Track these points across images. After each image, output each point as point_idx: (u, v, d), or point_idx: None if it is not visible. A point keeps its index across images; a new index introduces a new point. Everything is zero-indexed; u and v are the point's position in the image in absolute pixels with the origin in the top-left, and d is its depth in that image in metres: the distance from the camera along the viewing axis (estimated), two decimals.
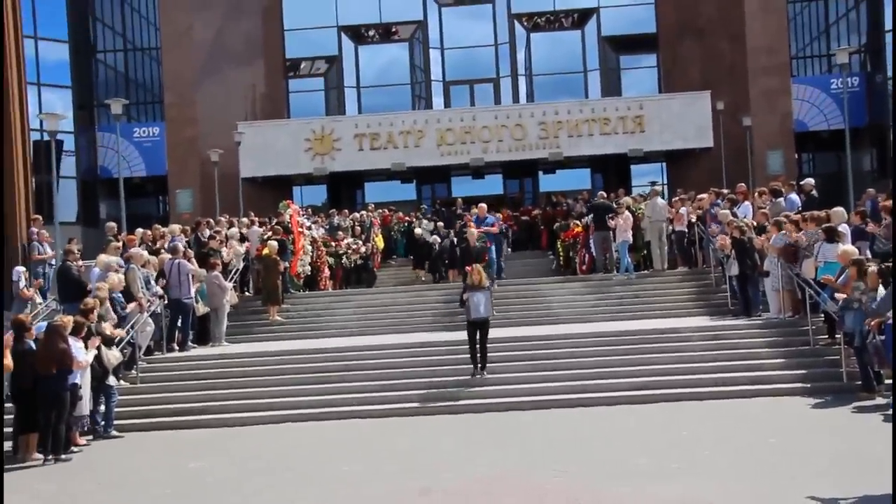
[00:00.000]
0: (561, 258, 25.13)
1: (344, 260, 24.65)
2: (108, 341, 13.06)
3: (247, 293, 20.86)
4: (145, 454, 11.71)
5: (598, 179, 36.87)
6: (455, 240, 22.50)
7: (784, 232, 15.83)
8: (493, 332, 16.22)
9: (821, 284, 14.02)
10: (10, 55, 22.31)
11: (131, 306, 14.92)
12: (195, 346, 17.35)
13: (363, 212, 29.44)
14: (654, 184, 36.59)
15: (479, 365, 14.01)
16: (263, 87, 35.72)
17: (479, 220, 21.14)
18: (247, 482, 9.65)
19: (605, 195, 22.57)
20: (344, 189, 36.59)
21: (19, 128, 22.21)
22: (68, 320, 12.11)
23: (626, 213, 20.56)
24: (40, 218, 21.68)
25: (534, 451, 10.49)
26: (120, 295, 14.83)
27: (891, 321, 10.98)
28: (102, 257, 15.78)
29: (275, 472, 10.16)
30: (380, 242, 27.56)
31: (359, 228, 27.37)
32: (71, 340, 11.81)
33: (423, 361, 15.01)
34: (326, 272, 23.37)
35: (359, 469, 9.95)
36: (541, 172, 37.02)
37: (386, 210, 30.39)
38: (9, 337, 10.75)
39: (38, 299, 17.03)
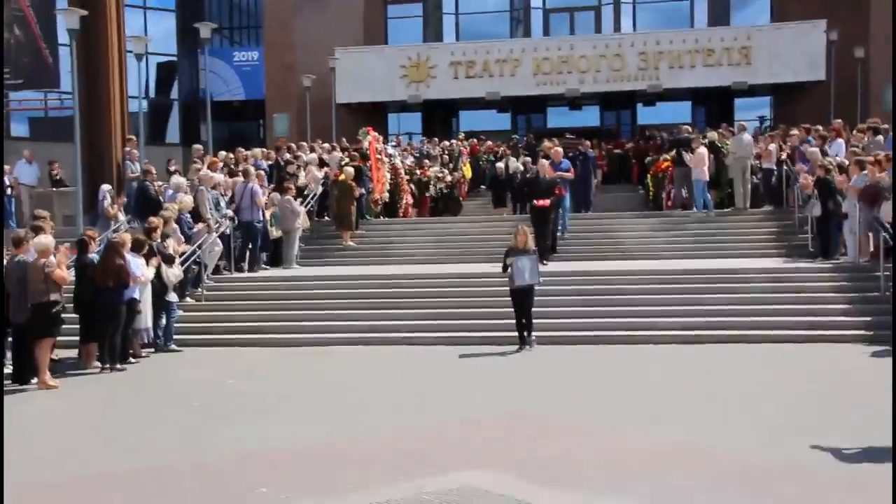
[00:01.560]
0: (651, 193, 24.69)
1: (430, 188, 24.82)
2: (170, 259, 13.56)
3: (326, 218, 21.21)
4: (194, 368, 12.23)
5: (700, 113, 35.69)
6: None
7: (865, 172, 15.09)
8: (553, 266, 16.26)
9: None
10: None
11: (199, 226, 15.40)
12: (267, 267, 17.85)
13: (453, 140, 29.44)
14: (761, 119, 35.48)
15: (526, 337, 12.61)
16: (362, 12, 35.65)
17: (555, 164, 19.19)
18: (270, 402, 9.97)
19: (689, 129, 21.89)
20: (438, 117, 36.50)
21: (116, 49, 22.85)
22: (127, 237, 12.63)
23: (701, 148, 19.85)
24: (134, 138, 22.50)
25: (555, 386, 10.49)
26: (188, 216, 15.34)
27: None
28: (175, 178, 16.29)
29: (299, 395, 10.44)
30: (467, 172, 27.57)
31: (447, 157, 27.46)
32: (130, 257, 12.33)
33: (479, 292, 15.04)
34: (409, 200, 23.55)
35: (390, 396, 10.15)
36: (639, 105, 36.02)
37: (475, 139, 30.27)
38: (65, 250, 11.28)
39: (122, 216, 17.72)
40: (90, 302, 12.07)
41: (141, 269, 12.51)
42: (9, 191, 21.78)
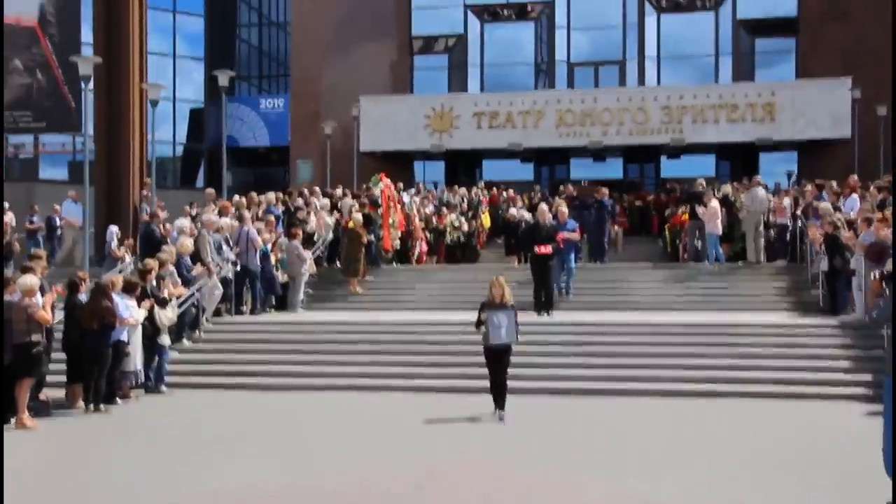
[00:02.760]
0: (668, 245, 24.50)
1: (446, 236, 24.81)
2: (163, 302, 13.59)
3: (337, 264, 21.22)
4: (177, 411, 12.18)
5: (725, 167, 35.43)
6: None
7: (872, 229, 14.81)
8: (558, 316, 16.06)
9: None
10: (132, 26, 23.39)
11: (197, 269, 15.46)
12: (271, 311, 17.86)
13: (474, 189, 29.47)
14: (789, 174, 35.13)
15: (500, 403, 11.16)
16: (388, 62, 36.09)
17: (560, 225, 17.86)
18: (240, 446, 9.86)
19: (703, 183, 21.70)
20: (462, 166, 36.62)
21: (137, 95, 23.25)
22: (118, 279, 12.70)
23: (714, 202, 19.66)
24: (149, 181, 22.78)
25: (530, 437, 10.31)
26: (188, 259, 15.41)
27: None
28: (178, 221, 16.43)
29: (272, 440, 10.31)
30: (486, 221, 27.52)
31: (465, 206, 27.47)
32: (120, 299, 12.38)
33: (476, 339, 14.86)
34: (424, 247, 23.55)
35: (360, 440, 10.02)
36: (663, 157, 35.87)
37: (495, 189, 30.26)
38: (53, 291, 11.36)
39: (128, 258, 17.87)
40: (77, 343, 12.10)
41: (130, 310, 12.54)
42: (58, 231, 22.46)
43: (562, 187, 21.81)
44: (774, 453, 9.29)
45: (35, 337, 10.80)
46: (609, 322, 15.45)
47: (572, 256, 18.33)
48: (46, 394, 12.73)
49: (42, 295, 11.33)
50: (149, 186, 22.11)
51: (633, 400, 12.46)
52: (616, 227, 25.71)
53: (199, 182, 36.03)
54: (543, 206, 17.84)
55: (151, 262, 13.93)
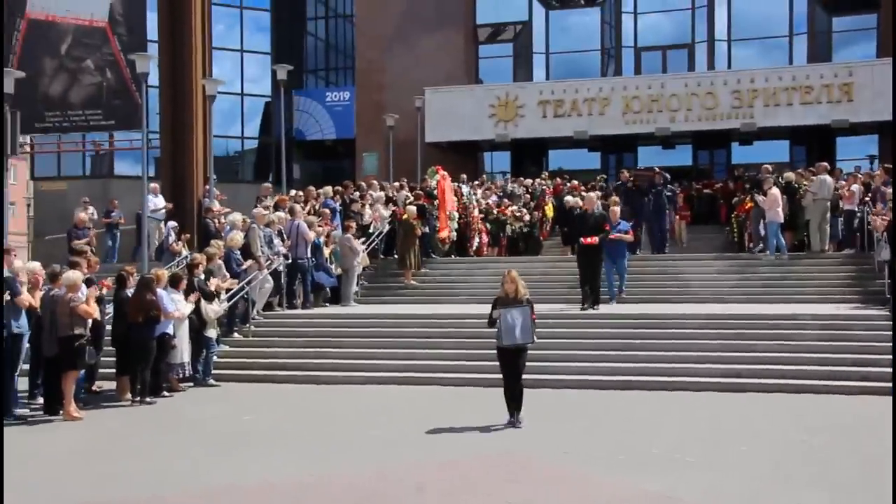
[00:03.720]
0: (735, 234, 23.96)
1: (508, 228, 24.70)
2: (210, 296, 13.87)
3: (394, 256, 21.33)
4: (221, 404, 12.41)
5: (800, 152, 34.38)
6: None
7: None
8: (605, 308, 15.84)
9: None
10: (195, 23, 23.88)
11: (247, 263, 15.72)
12: (327, 305, 18.08)
13: (536, 179, 29.28)
14: (871, 158, 33.89)
15: (513, 410, 10.25)
16: (452, 53, 35.99)
17: (610, 223, 16.62)
18: (275, 439, 10.02)
19: (769, 169, 21.10)
20: (528, 156, 36.38)
21: (200, 92, 23.72)
22: (163, 273, 13.01)
23: (774, 189, 19.09)
24: (214, 177, 23.25)
25: (561, 431, 10.22)
26: (238, 252, 15.67)
27: None
28: (231, 216, 16.73)
29: (307, 433, 10.44)
30: (549, 211, 27.29)
31: (528, 196, 27.29)
32: (166, 293, 12.69)
33: None
34: (484, 239, 23.51)
35: (387, 435, 10.08)
36: (734, 144, 35.00)
37: (559, 178, 30.00)
38: (97, 285, 11.73)
39: (185, 252, 18.28)
40: (124, 336, 12.45)
41: (176, 304, 12.84)
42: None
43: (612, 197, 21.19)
44: (805, 449, 9.04)
45: (78, 330, 11.13)
46: (654, 314, 15.15)
47: (625, 261, 17.17)
48: (99, 385, 13.21)
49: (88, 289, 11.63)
50: (211, 182, 22.57)
51: (676, 395, 12.24)
52: (679, 220, 25.17)
53: (271, 177, 36.61)
54: (591, 195, 17.31)
55: (199, 257, 14.24)
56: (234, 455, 9.17)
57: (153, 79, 23.96)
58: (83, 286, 11.50)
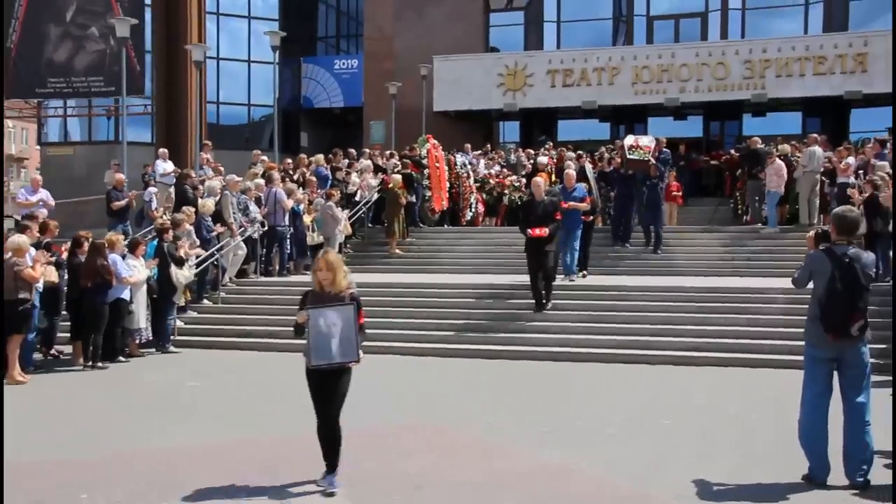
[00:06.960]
0: (740, 207, 23.56)
1: (505, 198, 24.48)
2: (179, 261, 13.82)
3: (382, 225, 21.18)
4: (173, 369, 12.38)
5: (813, 124, 33.57)
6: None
7: None
8: (587, 279, 15.56)
9: None
10: None
11: (218, 229, 15.66)
12: (307, 273, 17.98)
13: (541, 149, 28.94)
14: (891, 130, 33.02)
15: (328, 462, 6.71)
16: (463, 21, 35.59)
17: (565, 191, 15.37)
18: (214, 405, 10.01)
19: (758, 141, 20.62)
20: (537, 126, 35.99)
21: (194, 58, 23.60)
22: (117, 238, 12.99)
23: (778, 162, 18.71)
24: (209, 143, 23.24)
25: (501, 402, 10.09)
26: (209, 219, 15.62)
27: None
28: (208, 182, 16.67)
29: (250, 400, 10.40)
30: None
31: (530, 167, 26.99)
32: (121, 258, 12.67)
33: (505, 304, 14.70)
34: (480, 209, 23.35)
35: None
36: (746, 115, 34.35)
37: (562, 149, 29.61)
38: (41, 253, 11.73)
39: (167, 218, 18.21)
40: (77, 301, 12.47)
41: (134, 269, 12.82)
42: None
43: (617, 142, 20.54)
44: (730, 420, 8.85)
45: (23, 295, 11.14)
46: (618, 286, 14.98)
47: (579, 233, 15.35)
48: (60, 350, 13.27)
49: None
50: (208, 148, 22.54)
51: (627, 367, 12.10)
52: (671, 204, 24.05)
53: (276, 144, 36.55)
54: (538, 180, 14.89)
55: (167, 222, 14.19)
56: (156, 420, 9.15)
57: (148, 45, 23.92)
58: (31, 250, 11.50)
